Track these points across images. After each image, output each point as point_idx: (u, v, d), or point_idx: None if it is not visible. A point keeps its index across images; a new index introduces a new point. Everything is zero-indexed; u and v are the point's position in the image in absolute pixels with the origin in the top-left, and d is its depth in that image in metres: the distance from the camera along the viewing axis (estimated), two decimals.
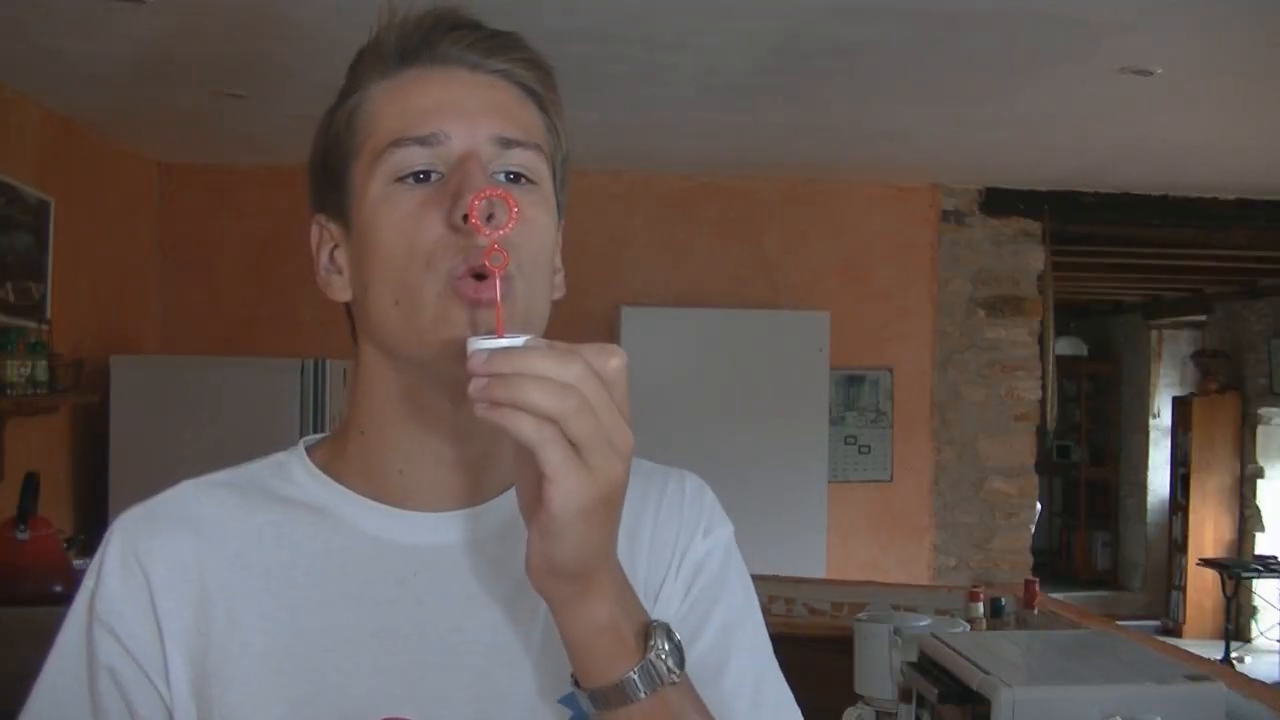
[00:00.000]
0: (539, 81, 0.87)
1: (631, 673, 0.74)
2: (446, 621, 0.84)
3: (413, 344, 0.81)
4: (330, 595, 0.83)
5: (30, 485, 3.24)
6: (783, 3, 3.01)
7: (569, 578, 0.72)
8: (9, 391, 3.56)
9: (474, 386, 0.67)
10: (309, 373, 4.25)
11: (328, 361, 4.28)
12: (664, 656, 0.75)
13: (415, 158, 0.81)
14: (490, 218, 0.74)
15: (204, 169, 5.13)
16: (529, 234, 0.81)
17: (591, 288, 5.00)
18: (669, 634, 0.76)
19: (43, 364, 3.74)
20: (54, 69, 3.61)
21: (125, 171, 4.84)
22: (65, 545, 3.39)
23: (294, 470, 0.89)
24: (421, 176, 0.81)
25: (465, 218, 0.77)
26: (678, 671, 0.75)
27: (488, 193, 0.74)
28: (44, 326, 3.90)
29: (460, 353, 0.75)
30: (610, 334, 5.08)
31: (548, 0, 2.95)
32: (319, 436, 0.94)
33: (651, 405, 4.62)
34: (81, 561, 3.16)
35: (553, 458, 0.66)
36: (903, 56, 3.45)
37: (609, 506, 0.70)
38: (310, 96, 3.81)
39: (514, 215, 0.73)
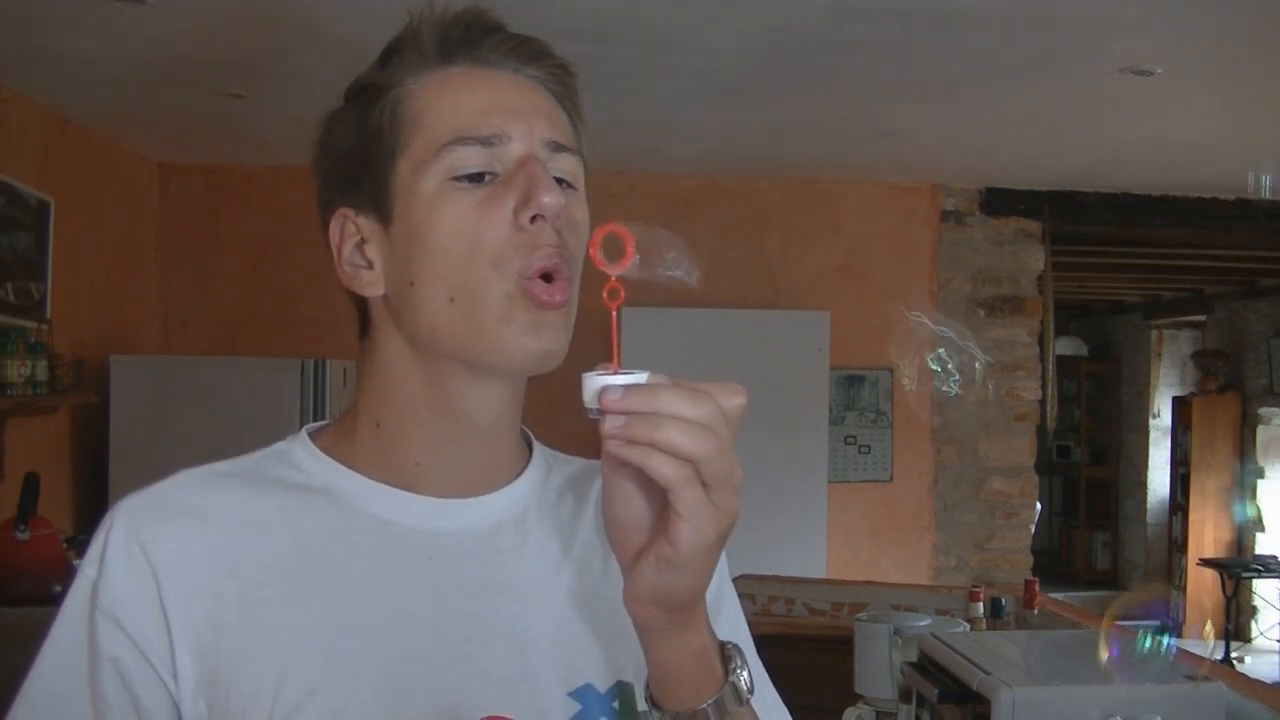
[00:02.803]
0: (568, 89, 0.88)
1: (718, 695, 0.77)
2: (461, 609, 0.84)
3: (466, 342, 0.81)
4: (343, 579, 0.82)
5: (30, 485, 3.24)
6: (782, 3, 3.01)
7: (676, 609, 0.73)
8: (9, 391, 3.56)
9: (611, 424, 0.67)
10: (309, 373, 4.25)
11: (328, 361, 4.28)
12: (744, 677, 0.78)
13: (474, 157, 0.81)
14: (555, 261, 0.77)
15: (204, 169, 5.13)
16: (578, 239, 0.84)
17: (592, 288, 4.99)
18: (742, 654, 0.79)
19: (43, 364, 3.74)
20: (54, 69, 3.61)
21: (125, 171, 4.84)
22: (65, 545, 3.38)
23: (298, 456, 0.89)
24: (476, 177, 0.81)
25: (534, 219, 0.79)
26: (752, 688, 0.78)
27: (609, 228, 0.73)
28: (44, 326, 3.90)
29: (518, 356, 0.79)
30: (610, 334, 5.08)
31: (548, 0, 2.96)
32: (321, 424, 0.93)
33: None
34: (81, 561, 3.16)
35: (688, 497, 0.68)
36: (903, 56, 3.45)
37: (723, 541, 0.72)
38: (310, 96, 3.82)
39: (631, 252, 0.73)
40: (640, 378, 0.69)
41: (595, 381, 0.69)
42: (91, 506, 4.32)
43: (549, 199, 0.80)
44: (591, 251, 0.73)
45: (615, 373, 0.69)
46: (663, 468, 0.67)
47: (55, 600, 0.83)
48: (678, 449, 0.67)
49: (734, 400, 0.70)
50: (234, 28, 3.22)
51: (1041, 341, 5.57)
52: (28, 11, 3.09)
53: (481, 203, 0.81)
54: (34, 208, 3.94)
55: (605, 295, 0.73)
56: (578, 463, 0.98)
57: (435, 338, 0.83)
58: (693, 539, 0.69)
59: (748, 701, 0.78)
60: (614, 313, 0.73)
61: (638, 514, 0.72)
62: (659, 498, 0.71)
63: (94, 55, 3.46)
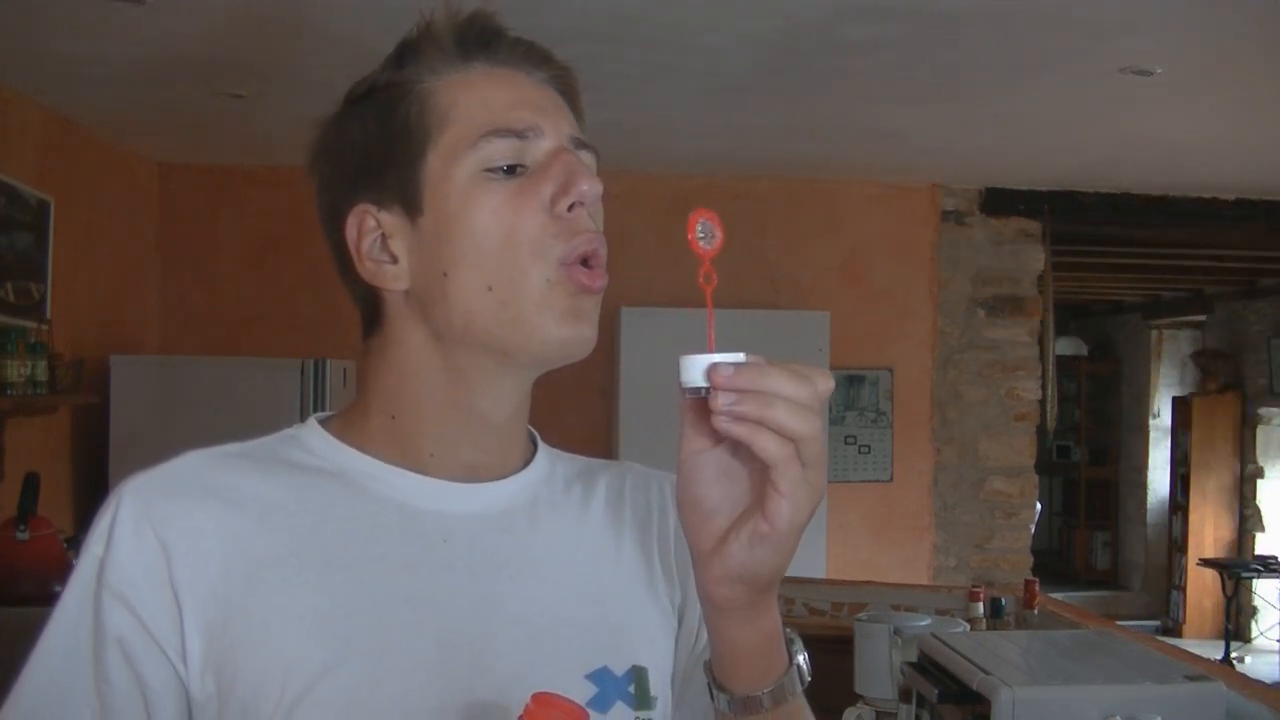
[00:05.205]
0: (573, 91, 0.91)
1: (786, 676, 0.79)
2: (477, 590, 0.84)
3: (501, 329, 0.83)
4: (358, 558, 0.82)
5: (30, 485, 3.24)
6: (783, 3, 3.01)
7: (761, 588, 0.76)
8: (9, 391, 3.56)
9: (724, 400, 0.69)
10: (309, 373, 4.25)
11: (328, 361, 4.28)
12: (803, 660, 0.81)
13: (508, 150, 0.84)
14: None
15: (204, 169, 5.13)
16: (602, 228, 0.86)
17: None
18: (799, 638, 0.82)
19: (43, 364, 3.74)
20: (54, 69, 3.61)
21: (125, 171, 4.84)
22: (65, 545, 3.38)
23: (310, 440, 0.89)
24: (509, 170, 0.84)
25: (572, 206, 0.82)
26: (811, 671, 0.81)
27: (703, 214, 0.75)
28: (44, 326, 3.90)
29: (554, 343, 0.82)
30: (610, 334, 5.08)
31: (549, 0, 2.96)
32: (327, 414, 0.93)
33: (652, 405, 4.61)
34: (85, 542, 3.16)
35: (790, 475, 0.70)
36: (903, 56, 3.45)
37: (811, 519, 0.74)
38: (310, 96, 3.83)
39: (721, 235, 0.75)
40: (739, 357, 0.71)
41: (700, 360, 0.71)
42: (91, 506, 4.29)
43: (588, 186, 0.84)
44: (689, 235, 0.75)
45: (714, 354, 0.71)
46: (770, 445, 0.69)
47: (55, 600, 0.82)
48: (783, 428, 0.69)
49: (827, 384, 0.73)
50: (234, 28, 3.22)
51: (1041, 341, 5.57)
52: (28, 11, 3.09)
53: (516, 193, 0.83)
54: (34, 208, 3.94)
55: (701, 279, 0.75)
56: (580, 460, 0.99)
57: (469, 327, 0.83)
58: (791, 516, 0.71)
59: (807, 683, 0.81)
60: (709, 295, 0.75)
61: (720, 497, 0.74)
62: (745, 479, 0.74)
63: (94, 55, 3.46)
